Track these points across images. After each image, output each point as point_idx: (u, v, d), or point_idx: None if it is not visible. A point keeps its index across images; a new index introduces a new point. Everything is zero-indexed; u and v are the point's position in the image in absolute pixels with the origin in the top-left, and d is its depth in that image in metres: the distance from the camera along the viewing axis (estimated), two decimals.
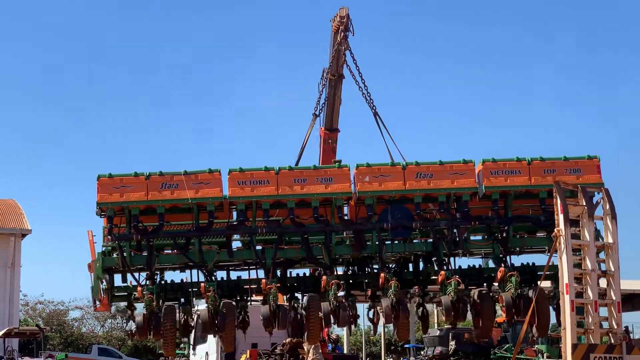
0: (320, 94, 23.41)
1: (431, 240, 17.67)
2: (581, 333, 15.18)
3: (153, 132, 76.95)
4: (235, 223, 16.51)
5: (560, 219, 15.17)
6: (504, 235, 17.55)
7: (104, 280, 17.18)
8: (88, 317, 48.60)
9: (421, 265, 18.63)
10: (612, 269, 15.54)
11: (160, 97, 78.43)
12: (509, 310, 16.39)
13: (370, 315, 18.10)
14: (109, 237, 15.96)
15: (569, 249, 15.03)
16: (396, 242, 17.65)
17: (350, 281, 18.02)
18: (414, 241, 17.79)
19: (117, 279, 17.79)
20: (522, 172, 17.43)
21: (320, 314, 16.15)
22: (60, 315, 50.37)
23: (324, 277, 16.43)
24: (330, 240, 16.75)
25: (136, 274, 16.88)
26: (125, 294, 17.58)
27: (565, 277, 14.96)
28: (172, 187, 16.02)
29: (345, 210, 17.46)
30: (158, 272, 17.17)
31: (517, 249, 18.02)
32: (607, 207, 15.89)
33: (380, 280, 16.52)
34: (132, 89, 78.01)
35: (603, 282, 15.86)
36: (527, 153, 20.59)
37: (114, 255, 16.82)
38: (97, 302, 17.87)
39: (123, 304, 18.52)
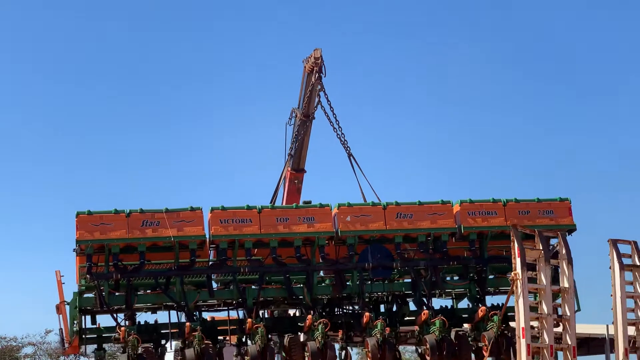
0: (295, 135, 22.66)
1: (409, 280, 17.27)
2: None
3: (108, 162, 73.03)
4: (217, 262, 15.64)
5: (517, 262, 14.92)
6: (482, 275, 17.22)
7: (74, 321, 16.11)
8: (40, 353, 46.58)
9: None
10: (568, 313, 15.31)
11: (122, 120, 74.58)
12: (493, 349, 15.85)
13: (343, 357, 17.29)
14: (88, 276, 14.89)
15: (526, 292, 14.82)
16: (375, 282, 17.12)
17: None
18: (395, 281, 17.36)
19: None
20: (498, 213, 17.23)
21: (307, 354, 15.31)
22: (12, 351, 48.31)
23: (310, 317, 15.85)
24: (312, 280, 16.10)
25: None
26: (95, 335, 16.59)
27: (521, 321, 14.69)
28: (154, 225, 15.24)
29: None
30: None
31: (492, 289, 17.67)
32: (563, 251, 15.68)
33: (365, 319, 15.97)
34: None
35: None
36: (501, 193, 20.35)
37: (85, 296, 15.81)
38: (66, 344, 16.77)
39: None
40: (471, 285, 17.38)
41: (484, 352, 16.29)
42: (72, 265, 17.84)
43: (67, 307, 17.27)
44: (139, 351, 14.89)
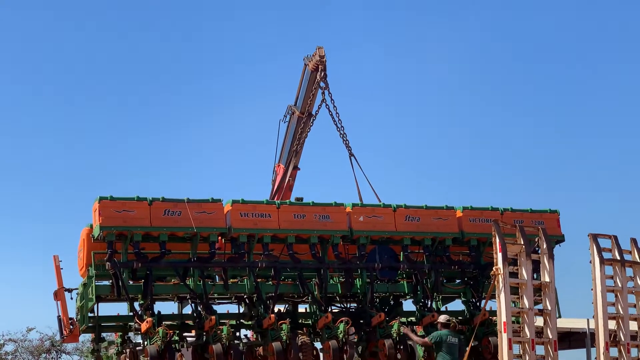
0: (299, 132, 21.60)
1: (410, 282, 16.61)
2: None
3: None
4: (235, 255, 14.56)
5: (498, 257, 14.45)
6: (478, 280, 16.92)
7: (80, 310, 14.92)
8: (22, 350, 43.98)
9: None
10: (549, 308, 14.92)
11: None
12: (496, 352, 15.39)
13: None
14: (108, 263, 13.63)
15: (507, 287, 14.31)
16: (379, 282, 16.47)
17: None
18: (398, 282, 16.71)
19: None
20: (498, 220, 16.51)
21: (328, 352, 14.42)
22: None
23: (329, 314, 15.08)
24: (325, 278, 15.42)
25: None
26: (92, 324, 15.51)
27: (503, 315, 14.21)
28: (175, 215, 14.14)
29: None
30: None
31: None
32: (545, 246, 15.28)
33: (380, 318, 15.26)
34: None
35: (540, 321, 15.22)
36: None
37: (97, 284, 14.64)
38: (65, 333, 15.53)
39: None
40: (467, 289, 17.00)
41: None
42: (65, 253, 16.71)
43: (67, 293, 16.10)
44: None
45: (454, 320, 15.64)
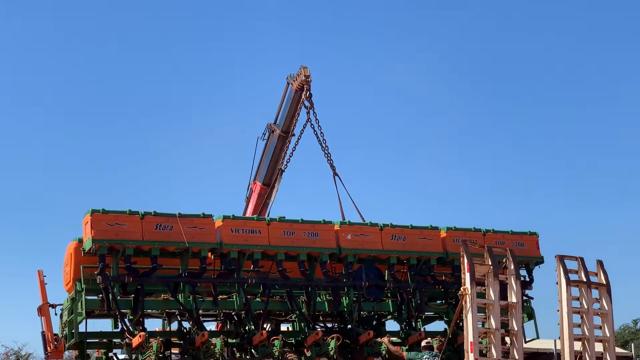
0: (286, 150, 21.42)
1: (395, 301, 16.58)
2: None
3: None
4: (225, 271, 14.38)
5: (466, 277, 14.42)
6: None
7: (66, 325, 14.60)
8: None
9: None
10: (516, 328, 14.89)
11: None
12: None
13: None
14: (100, 277, 13.36)
15: (475, 307, 14.29)
16: (364, 300, 16.41)
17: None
18: (384, 301, 16.69)
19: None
20: (478, 241, 16.74)
21: None
22: None
23: (319, 331, 14.92)
24: (315, 295, 15.30)
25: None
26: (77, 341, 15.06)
27: (470, 335, 14.14)
28: (167, 229, 13.89)
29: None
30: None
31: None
32: (512, 267, 15.29)
33: (368, 336, 15.22)
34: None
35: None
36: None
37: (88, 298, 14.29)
38: (49, 349, 15.19)
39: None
40: (450, 309, 16.99)
41: None
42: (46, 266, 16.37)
43: (51, 309, 15.76)
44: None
45: (441, 339, 15.63)
